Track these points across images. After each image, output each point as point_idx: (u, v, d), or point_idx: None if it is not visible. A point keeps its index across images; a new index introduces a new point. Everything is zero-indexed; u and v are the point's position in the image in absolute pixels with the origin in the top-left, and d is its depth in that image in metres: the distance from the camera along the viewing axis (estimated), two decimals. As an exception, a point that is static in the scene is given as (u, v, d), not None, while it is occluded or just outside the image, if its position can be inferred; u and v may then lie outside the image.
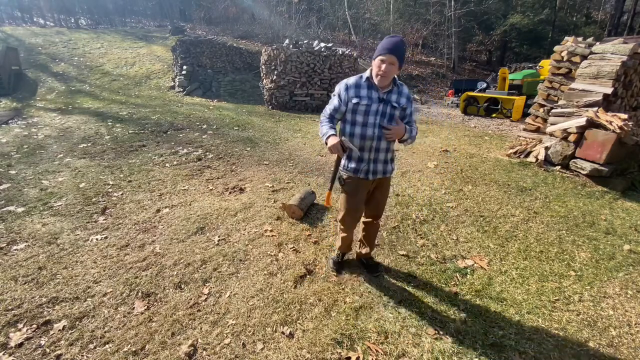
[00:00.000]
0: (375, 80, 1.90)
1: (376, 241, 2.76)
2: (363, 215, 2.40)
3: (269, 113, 9.53)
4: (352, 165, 2.06)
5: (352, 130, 2.00)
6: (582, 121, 4.46)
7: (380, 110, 1.93)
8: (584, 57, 5.27)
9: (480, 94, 9.97)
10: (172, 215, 3.41)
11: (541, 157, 4.91)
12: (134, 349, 1.86)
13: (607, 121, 4.28)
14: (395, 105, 1.94)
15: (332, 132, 1.96)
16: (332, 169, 2.15)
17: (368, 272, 2.51)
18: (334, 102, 2.03)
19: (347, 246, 2.56)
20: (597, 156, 4.25)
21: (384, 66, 1.82)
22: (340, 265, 2.59)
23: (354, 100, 1.94)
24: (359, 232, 2.55)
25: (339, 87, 2.00)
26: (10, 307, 2.13)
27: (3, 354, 1.81)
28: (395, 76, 1.95)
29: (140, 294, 2.29)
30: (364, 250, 2.54)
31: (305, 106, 9.97)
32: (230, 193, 4.00)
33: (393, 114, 1.95)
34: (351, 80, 1.98)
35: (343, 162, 2.12)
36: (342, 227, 2.39)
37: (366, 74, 1.97)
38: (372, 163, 2.03)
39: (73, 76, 12.39)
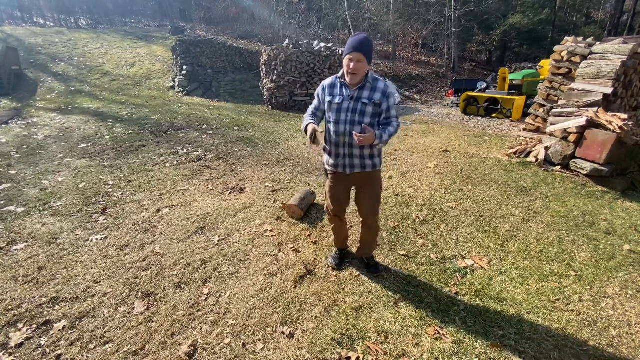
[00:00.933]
0: (347, 79, 1.98)
1: (378, 241, 2.75)
2: (359, 215, 2.46)
3: (269, 113, 9.54)
4: (332, 160, 2.18)
5: (329, 127, 2.12)
6: (582, 121, 4.46)
7: (351, 107, 2.00)
8: (584, 57, 5.27)
9: (480, 94, 9.96)
10: (172, 215, 3.41)
11: (541, 157, 4.91)
12: (134, 349, 1.86)
13: (607, 121, 4.28)
14: (366, 101, 1.97)
15: (311, 120, 2.12)
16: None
17: (368, 272, 2.51)
18: (314, 102, 2.21)
19: (341, 242, 2.62)
20: (597, 156, 4.25)
21: (352, 64, 1.90)
22: (339, 263, 2.61)
23: (328, 99, 2.07)
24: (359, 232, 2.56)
25: (318, 88, 2.16)
26: (10, 307, 2.14)
27: (3, 354, 1.82)
28: (370, 72, 2.00)
29: (140, 294, 2.29)
30: (364, 250, 2.56)
31: (305, 106, 9.96)
32: (230, 193, 4.00)
33: (364, 110, 1.98)
34: (327, 80, 2.12)
35: (325, 158, 2.25)
36: (328, 217, 2.49)
37: (340, 73, 2.06)
38: (348, 158, 2.12)
39: (73, 76, 12.39)
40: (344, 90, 2.02)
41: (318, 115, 2.20)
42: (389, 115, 2.03)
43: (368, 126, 1.97)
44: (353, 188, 2.36)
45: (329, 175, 2.28)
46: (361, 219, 2.44)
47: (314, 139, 2.00)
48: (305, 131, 2.08)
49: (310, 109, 2.22)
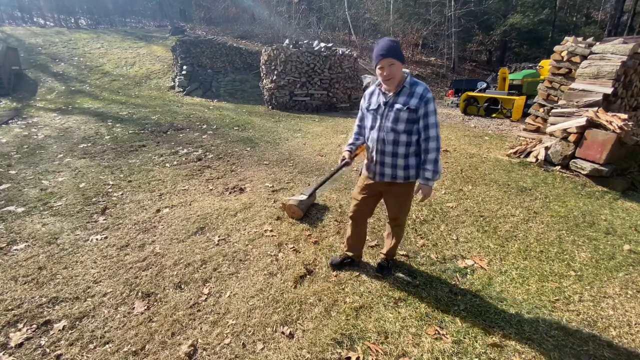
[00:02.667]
0: (384, 86, 1.99)
1: (397, 250, 2.65)
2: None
3: (269, 113, 9.54)
4: (366, 163, 2.21)
5: (366, 133, 2.16)
6: (582, 121, 4.46)
7: (386, 113, 2.00)
8: (584, 57, 5.28)
9: (480, 94, 9.96)
10: (172, 215, 3.41)
11: (541, 157, 4.91)
12: (134, 349, 1.86)
13: (607, 121, 4.28)
14: (400, 107, 1.94)
15: (349, 146, 2.24)
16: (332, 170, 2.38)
17: (377, 271, 2.51)
18: (359, 113, 2.26)
19: (351, 246, 2.54)
20: (597, 156, 4.25)
21: (385, 71, 1.89)
22: (338, 263, 2.56)
23: (365, 105, 2.13)
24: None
25: (362, 98, 2.20)
26: (10, 307, 2.14)
27: (3, 354, 1.82)
28: (409, 76, 1.97)
29: (140, 294, 2.29)
30: (387, 250, 2.52)
31: (305, 106, 9.97)
32: (230, 193, 4.00)
33: (398, 117, 1.95)
34: (369, 89, 2.16)
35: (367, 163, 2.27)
36: (349, 216, 2.45)
37: (378, 80, 2.04)
38: (379, 165, 2.10)
39: (73, 76, 12.39)
40: (381, 97, 2.02)
41: (362, 128, 2.25)
42: (426, 122, 1.92)
43: (406, 136, 1.96)
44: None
45: (361, 175, 2.31)
46: (388, 221, 2.44)
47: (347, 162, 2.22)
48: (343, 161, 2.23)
49: (356, 121, 2.28)
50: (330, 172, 2.47)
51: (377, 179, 2.14)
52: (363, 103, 2.17)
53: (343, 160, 2.22)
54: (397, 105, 1.94)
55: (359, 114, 2.25)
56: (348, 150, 2.23)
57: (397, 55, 1.87)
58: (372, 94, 2.11)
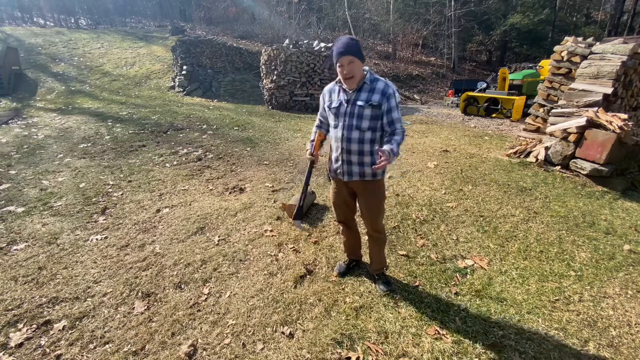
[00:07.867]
0: (345, 85, 1.93)
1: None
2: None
3: (269, 113, 9.54)
4: (333, 165, 2.14)
5: (330, 132, 2.10)
6: (582, 121, 4.46)
7: (348, 111, 1.93)
8: (584, 57, 5.27)
9: (480, 94, 9.96)
10: (172, 215, 3.41)
11: (541, 157, 4.91)
12: (134, 349, 1.86)
13: (607, 121, 4.27)
14: (362, 104, 1.89)
15: (309, 144, 2.22)
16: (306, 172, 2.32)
17: (376, 285, 2.42)
18: (320, 109, 2.20)
19: (349, 250, 2.54)
20: (597, 156, 4.24)
21: (345, 69, 1.84)
22: (344, 272, 2.51)
23: (327, 104, 2.05)
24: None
25: (321, 94, 2.14)
26: (10, 307, 2.14)
27: (3, 354, 1.82)
28: (369, 73, 1.93)
29: (140, 294, 2.29)
30: (372, 265, 2.42)
31: (305, 106, 9.97)
32: (230, 193, 4.00)
33: (361, 114, 1.90)
34: (328, 86, 2.09)
35: (329, 165, 2.22)
36: (337, 222, 2.43)
37: (338, 77, 1.98)
38: (346, 164, 2.03)
39: (73, 76, 12.39)
40: (342, 95, 1.96)
41: (324, 123, 2.20)
42: (391, 118, 1.91)
43: (370, 133, 1.92)
44: None
45: (331, 181, 2.25)
46: (365, 231, 2.33)
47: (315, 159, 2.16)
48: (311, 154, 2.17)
49: (317, 117, 2.23)
50: (305, 177, 2.35)
51: (346, 179, 2.07)
52: (323, 101, 2.10)
53: (310, 160, 2.21)
54: (359, 102, 1.89)
55: (320, 112, 2.18)
56: (309, 149, 2.21)
57: (356, 53, 1.82)
58: (331, 91, 2.04)
